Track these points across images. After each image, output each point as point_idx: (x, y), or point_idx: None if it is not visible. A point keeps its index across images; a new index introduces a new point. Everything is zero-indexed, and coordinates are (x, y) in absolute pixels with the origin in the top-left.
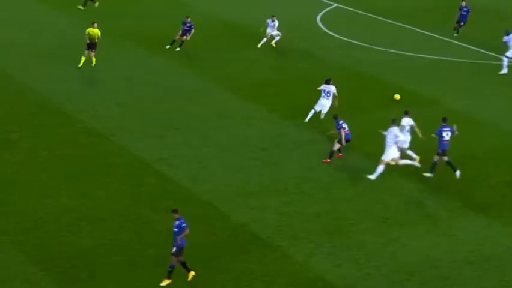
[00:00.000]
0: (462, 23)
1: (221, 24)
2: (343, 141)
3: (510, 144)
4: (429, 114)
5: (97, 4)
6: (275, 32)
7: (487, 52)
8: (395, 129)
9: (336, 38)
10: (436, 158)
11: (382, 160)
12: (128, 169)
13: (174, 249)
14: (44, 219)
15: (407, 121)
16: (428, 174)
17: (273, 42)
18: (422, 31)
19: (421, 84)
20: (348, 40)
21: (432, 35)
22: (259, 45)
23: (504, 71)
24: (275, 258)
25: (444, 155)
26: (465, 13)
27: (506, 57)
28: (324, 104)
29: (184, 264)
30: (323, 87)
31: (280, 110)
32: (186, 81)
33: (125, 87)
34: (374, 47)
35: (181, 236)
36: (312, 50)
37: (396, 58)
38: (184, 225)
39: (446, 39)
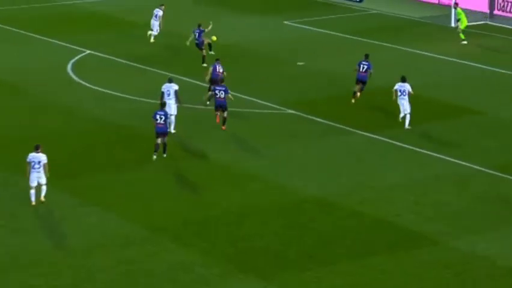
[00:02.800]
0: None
1: None
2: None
3: (283, 200)
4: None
5: None
6: (156, 26)
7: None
8: None
9: (89, 87)
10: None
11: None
12: None
13: None
14: None
15: None
16: None
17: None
18: (184, 78)
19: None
20: (102, 90)
21: (191, 81)
22: (151, 40)
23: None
24: None
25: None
26: (218, 75)
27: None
28: None
29: None
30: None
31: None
32: None
33: None
34: (130, 96)
35: None
36: (63, 101)
37: (152, 107)
38: None
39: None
